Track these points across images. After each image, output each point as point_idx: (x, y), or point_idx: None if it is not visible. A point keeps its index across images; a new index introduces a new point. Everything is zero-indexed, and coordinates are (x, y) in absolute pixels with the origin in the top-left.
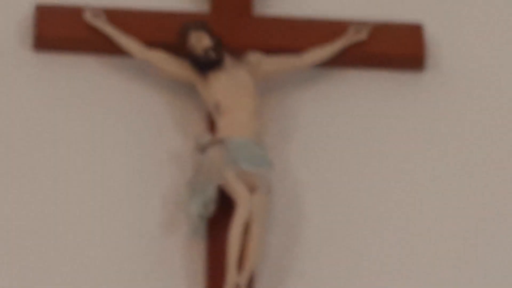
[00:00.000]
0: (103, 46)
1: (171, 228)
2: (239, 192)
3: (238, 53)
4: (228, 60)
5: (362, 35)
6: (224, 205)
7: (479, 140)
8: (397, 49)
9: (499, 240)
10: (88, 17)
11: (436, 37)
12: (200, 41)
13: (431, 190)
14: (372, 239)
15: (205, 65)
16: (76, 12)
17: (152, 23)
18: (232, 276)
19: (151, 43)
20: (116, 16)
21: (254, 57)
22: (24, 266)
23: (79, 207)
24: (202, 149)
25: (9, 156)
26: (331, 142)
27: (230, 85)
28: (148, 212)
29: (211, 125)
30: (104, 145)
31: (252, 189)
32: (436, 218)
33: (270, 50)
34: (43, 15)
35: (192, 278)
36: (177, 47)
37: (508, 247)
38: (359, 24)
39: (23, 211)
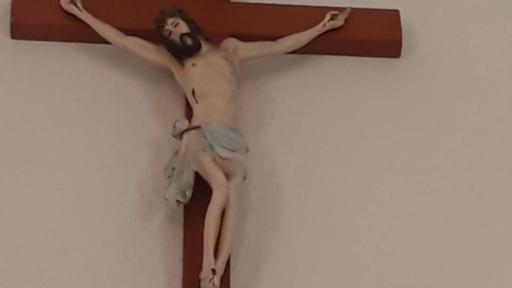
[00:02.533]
0: (80, 33)
1: (148, 214)
2: (215, 177)
3: (215, 39)
4: (205, 47)
5: (339, 21)
6: (201, 191)
7: (456, 124)
8: (374, 35)
9: (483, 223)
10: (65, 4)
11: (412, 23)
12: (177, 27)
13: (408, 174)
14: (348, 224)
15: (182, 52)
16: None
17: (129, 9)
18: (208, 262)
19: (128, 30)
20: (92, 3)
21: (231, 43)
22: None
23: (55, 194)
24: (179, 135)
25: None
26: (307, 128)
27: (206, 71)
28: (125, 198)
29: (189, 111)
30: (82, 132)
31: (228, 174)
32: (412, 202)
33: (247, 36)
34: (20, 2)
35: (169, 264)
36: (154, 34)
37: (496, 233)
38: (336, 10)
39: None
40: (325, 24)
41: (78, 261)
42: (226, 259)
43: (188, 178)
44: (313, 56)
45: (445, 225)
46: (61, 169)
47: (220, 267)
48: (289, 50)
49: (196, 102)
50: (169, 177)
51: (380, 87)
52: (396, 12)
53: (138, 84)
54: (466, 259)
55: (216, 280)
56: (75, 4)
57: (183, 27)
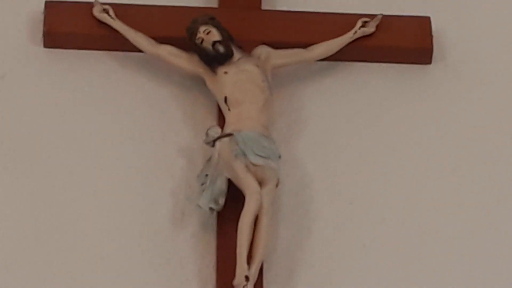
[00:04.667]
0: (112, 42)
1: (181, 222)
2: (248, 184)
3: (247, 47)
4: (237, 54)
5: (370, 28)
6: (234, 198)
7: (488, 131)
8: (405, 42)
9: (506, 235)
10: (97, 12)
11: (443, 30)
12: (209, 35)
13: (439, 182)
14: (380, 231)
15: (214, 59)
16: (85, 8)
17: (161, 18)
18: (241, 269)
19: (160, 38)
20: (125, 11)
21: (263, 51)
22: (35, 261)
23: (89, 202)
24: (211, 142)
25: (21, 151)
26: (339, 135)
27: (239, 79)
28: (158, 206)
29: (221, 119)
30: (114, 140)
31: (261, 181)
32: (444, 209)
33: (279, 44)
34: (52, 11)
35: (203, 271)
36: (187, 42)
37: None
38: (367, 18)
39: (34, 204)
40: (356, 31)
41: (113, 269)
42: (259, 266)
43: (221, 186)
44: (345, 63)
45: (481, 233)
46: (95, 178)
47: (253, 274)
48: (321, 57)
49: (229, 109)
50: (202, 184)
51: (412, 93)
52: (427, 18)
53: (171, 92)
54: (502, 267)
55: (250, 287)
56: (107, 13)
57: (215, 35)
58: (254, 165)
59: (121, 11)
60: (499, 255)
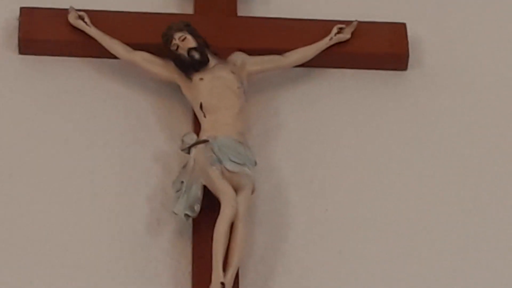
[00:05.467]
0: (88, 48)
1: (157, 228)
2: (223, 191)
3: (223, 53)
4: (212, 61)
5: (346, 35)
6: (209, 205)
7: (463, 137)
8: (380, 48)
9: (489, 237)
10: (73, 19)
11: (419, 36)
12: (184, 42)
13: (416, 188)
14: (356, 238)
15: (189, 66)
16: (61, 15)
17: (136, 24)
18: (217, 275)
19: (136, 45)
20: (100, 18)
21: (238, 57)
22: (8, 268)
23: (64, 208)
24: (187, 149)
25: None
26: (315, 141)
27: (214, 86)
28: (134, 212)
29: (196, 125)
30: (90, 146)
31: (236, 188)
32: (422, 216)
33: (255, 50)
34: (28, 17)
35: (179, 278)
36: (162, 48)
37: (500, 242)
38: (342, 24)
39: (6, 212)
40: (332, 38)
41: (87, 276)
42: (235, 272)
43: (196, 192)
44: (320, 70)
45: (456, 238)
46: (69, 184)
47: (229, 280)
48: (296, 64)
49: (204, 116)
50: (177, 191)
51: (387, 100)
52: (403, 25)
53: (146, 98)
54: (479, 274)
55: None
56: (82, 20)
57: (191, 42)
58: (229, 171)
59: (97, 18)
60: (480, 261)
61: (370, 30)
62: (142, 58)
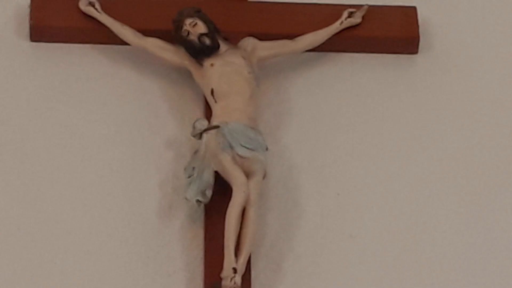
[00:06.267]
0: (99, 35)
1: (169, 214)
2: (235, 176)
3: (233, 38)
4: (223, 46)
5: (357, 19)
6: (221, 191)
7: (474, 120)
8: (391, 32)
9: (495, 224)
10: (83, 6)
11: (429, 20)
12: (195, 28)
13: (427, 172)
14: (367, 222)
15: (200, 52)
16: (71, 1)
17: (147, 10)
18: (229, 260)
19: (147, 31)
20: (111, 4)
21: (249, 42)
22: (21, 256)
23: (76, 196)
24: (198, 135)
25: (7, 145)
26: (326, 125)
27: (225, 71)
28: (145, 199)
29: (208, 111)
30: (101, 133)
31: (248, 173)
32: (432, 201)
33: (265, 35)
34: (39, 4)
35: (191, 263)
36: (173, 34)
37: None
38: (353, 8)
39: (20, 198)
40: (342, 22)
41: (100, 262)
42: (247, 258)
43: (208, 178)
44: (331, 54)
45: (465, 226)
46: (82, 171)
47: (241, 266)
48: (307, 48)
49: (215, 101)
50: (189, 177)
51: (398, 83)
52: (413, 8)
53: (157, 84)
54: (485, 260)
55: (238, 279)
56: (93, 6)
57: (201, 27)
58: (241, 157)
59: (107, 4)
60: (489, 246)
61: (381, 14)
62: (153, 44)
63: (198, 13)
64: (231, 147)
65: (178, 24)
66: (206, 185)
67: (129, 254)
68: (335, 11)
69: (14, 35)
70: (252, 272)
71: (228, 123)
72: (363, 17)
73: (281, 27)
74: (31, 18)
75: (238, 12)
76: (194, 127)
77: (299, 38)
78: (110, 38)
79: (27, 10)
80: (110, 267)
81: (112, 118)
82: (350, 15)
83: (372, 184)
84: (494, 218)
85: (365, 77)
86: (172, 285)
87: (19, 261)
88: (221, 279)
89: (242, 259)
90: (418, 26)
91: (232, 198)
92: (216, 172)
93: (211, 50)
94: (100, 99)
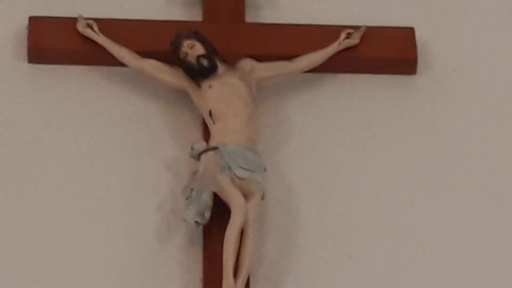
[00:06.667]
0: (97, 57)
1: (167, 235)
2: (233, 198)
3: (231, 60)
4: (221, 68)
5: (354, 40)
6: (220, 212)
7: (473, 141)
8: (389, 52)
9: (494, 243)
10: (81, 27)
11: (427, 40)
12: (193, 49)
13: (426, 191)
14: (367, 243)
15: (198, 73)
16: (69, 23)
17: (145, 32)
18: (228, 281)
19: (144, 52)
20: (109, 26)
21: (247, 64)
22: (22, 273)
23: (76, 216)
24: (197, 156)
25: (5, 167)
26: (325, 146)
27: (223, 92)
28: (144, 220)
29: (206, 132)
30: (100, 154)
31: (246, 195)
32: (432, 220)
33: (263, 56)
34: (36, 26)
35: (189, 285)
36: (171, 56)
37: (505, 246)
38: (351, 29)
39: (17, 223)
40: (340, 43)
41: (99, 283)
42: (246, 279)
43: (206, 199)
44: (329, 75)
45: (468, 244)
46: (81, 192)
47: (240, 287)
48: (305, 69)
49: (213, 123)
50: (187, 198)
51: (397, 104)
52: (411, 29)
53: (155, 106)
54: (489, 278)
55: None
56: (91, 28)
57: (199, 49)
58: (239, 178)
59: (105, 26)
60: (489, 269)
61: (379, 34)
62: (151, 66)
63: (196, 35)
64: (230, 169)
65: (176, 46)
66: (204, 207)
67: (128, 275)
68: (333, 32)
69: (12, 57)
70: None
71: (226, 144)
72: (361, 38)
73: (279, 48)
74: (29, 40)
75: (236, 34)
76: (192, 149)
77: (297, 59)
78: (108, 60)
79: (25, 32)
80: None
81: (110, 139)
82: (348, 36)
83: (371, 205)
84: (496, 243)
85: (363, 98)
86: None
87: (19, 278)
88: None
89: (241, 280)
90: (416, 46)
91: (231, 219)
92: (214, 194)
93: (209, 72)
94: (98, 121)
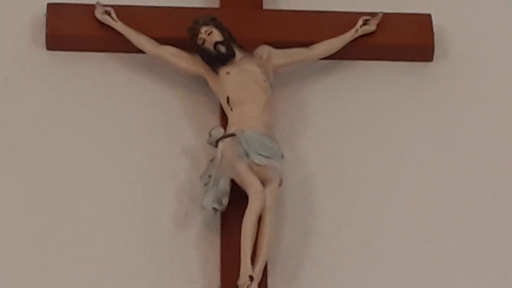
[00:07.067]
0: (115, 43)
1: (185, 222)
2: (251, 184)
3: (249, 47)
4: (238, 54)
5: (371, 27)
6: (237, 198)
7: (489, 129)
8: (406, 39)
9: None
10: (99, 14)
11: (444, 27)
12: (210, 36)
13: (443, 179)
14: (383, 230)
15: (216, 60)
16: (87, 10)
17: (162, 19)
18: (246, 268)
19: (162, 39)
20: (126, 13)
21: (265, 50)
22: (38, 260)
23: (93, 203)
24: (214, 143)
25: (24, 153)
26: (342, 133)
27: (241, 79)
28: (162, 206)
29: (223, 119)
30: (118, 141)
31: (264, 181)
32: (447, 208)
33: (281, 43)
34: (54, 13)
35: (207, 271)
36: (188, 43)
37: None
38: (368, 16)
39: (37, 206)
40: (357, 30)
41: (117, 269)
42: (264, 265)
43: (224, 186)
44: (346, 62)
45: (484, 234)
46: (99, 179)
47: (257, 273)
48: (322, 56)
49: (231, 109)
50: (205, 185)
51: (414, 91)
52: (428, 16)
53: (173, 92)
54: (503, 266)
55: (254, 286)
56: (109, 15)
57: (217, 36)
58: (257, 165)
59: (123, 13)
60: (501, 253)
61: (396, 21)
62: (169, 53)
63: (214, 21)
64: (247, 155)
65: (194, 33)
66: (222, 193)
67: (146, 262)
68: (350, 19)
69: (30, 44)
70: (269, 280)
71: (244, 131)
72: (378, 25)
73: (296, 35)
74: (47, 27)
75: (253, 20)
76: (210, 135)
77: (314, 46)
78: (126, 47)
79: (43, 19)
80: (126, 275)
81: (128, 126)
82: (365, 22)
83: (388, 192)
84: None
85: (380, 85)
86: None
87: (35, 269)
88: (237, 286)
89: (259, 266)
90: (433, 33)
91: (248, 206)
92: (232, 180)
93: (227, 58)
94: (116, 108)
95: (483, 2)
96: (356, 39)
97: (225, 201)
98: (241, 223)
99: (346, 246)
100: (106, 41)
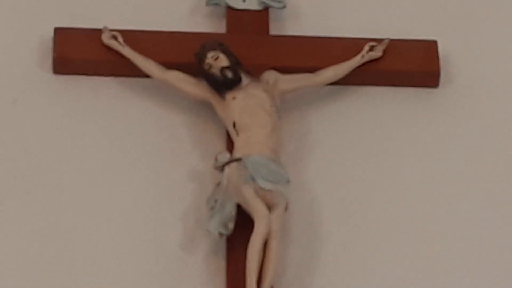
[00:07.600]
0: (121, 68)
1: (191, 246)
2: (257, 209)
3: (255, 72)
4: (245, 79)
5: (378, 52)
6: (243, 223)
7: (496, 155)
8: (412, 65)
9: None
10: (106, 39)
11: (450, 53)
12: (217, 61)
13: (449, 205)
14: (390, 254)
15: (222, 85)
16: (94, 34)
17: (169, 43)
18: None
19: (169, 64)
20: (133, 38)
21: (271, 76)
22: (49, 284)
23: (100, 226)
24: (220, 167)
25: (29, 177)
26: (348, 158)
27: (247, 104)
28: (168, 231)
29: (230, 144)
30: (124, 165)
31: (270, 206)
32: (454, 233)
33: (287, 68)
34: (62, 37)
35: None
36: (195, 67)
37: None
38: (374, 42)
39: (42, 228)
40: (363, 56)
41: None
42: None
43: (230, 210)
44: (352, 87)
45: (490, 259)
46: (105, 202)
47: None
48: (329, 82)
49: (237, 134)
50: (211, 209)
51: (420, 117)
52: (434, 42)
53: (180, 117)
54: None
55: None
56: (116, 39)
57: (223, 61)
58: (263, 189)
59: (130, 37)
60: (502, 261)
61: (402, 47)
62: (176, 77)
63: (220, 46)
64: (253, 180)
65: (201, 57)
66: (228, 218)
67: (152, 286)
68: (357, 45)
69: (37, 67)
70: None
71: (250, 155)
72: (384, 51)
73: (303, 60)
74: (54, 51)
75: (260, 46)
76: (216, 160)
77: (320, 71)
78: (132, 71)
79: (51, 43)
80: None
81: (135, 150)
82: (371, 49)
83: (394, 217)
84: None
85: (386, 111)
86: None
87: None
88: None
89: None
90: (439, 59)
91: (254, 231)
92: (238, 205)
93: (233, 83)
94: (123, 132)
95: (489, 28)
96: (362, 65)
97: (231, 225)
98: (247, 248)
99: (353, 272)
100: (113, 65)
